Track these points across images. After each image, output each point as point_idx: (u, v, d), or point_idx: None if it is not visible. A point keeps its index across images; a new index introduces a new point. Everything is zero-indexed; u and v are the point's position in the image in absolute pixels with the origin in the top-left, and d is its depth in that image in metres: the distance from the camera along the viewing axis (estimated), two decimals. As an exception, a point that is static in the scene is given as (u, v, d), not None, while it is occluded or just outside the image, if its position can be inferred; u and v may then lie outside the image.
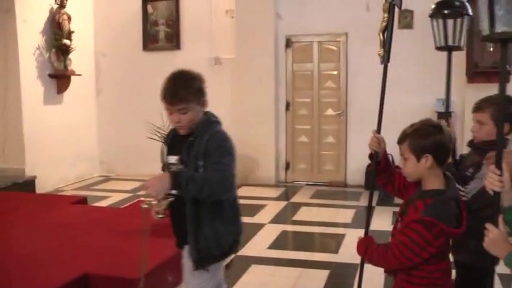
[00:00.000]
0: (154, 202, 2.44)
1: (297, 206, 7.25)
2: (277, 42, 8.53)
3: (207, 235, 2.63)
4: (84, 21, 9.00)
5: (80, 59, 8.63)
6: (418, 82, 7.93)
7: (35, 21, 8.03)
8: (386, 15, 2.92)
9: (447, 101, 3.52)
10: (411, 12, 7.85)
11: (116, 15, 9.28)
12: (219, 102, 8.70)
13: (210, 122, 2.69)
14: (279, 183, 8.65)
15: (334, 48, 8.43)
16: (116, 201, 7.42)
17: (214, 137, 2.60)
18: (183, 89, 2.58)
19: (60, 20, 8.23)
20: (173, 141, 2.76)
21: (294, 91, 8.67)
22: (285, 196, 7.96)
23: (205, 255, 2.65)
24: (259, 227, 6.23)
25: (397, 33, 7.43)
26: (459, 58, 7.54)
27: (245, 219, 6.65)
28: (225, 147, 2.59)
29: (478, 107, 2.78)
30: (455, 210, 2.21)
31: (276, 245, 5.66)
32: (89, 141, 9.30)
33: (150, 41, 9.23)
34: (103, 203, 7.24)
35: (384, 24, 2.93)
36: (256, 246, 5.57)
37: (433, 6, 3.43)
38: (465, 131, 6.18)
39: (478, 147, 2.77)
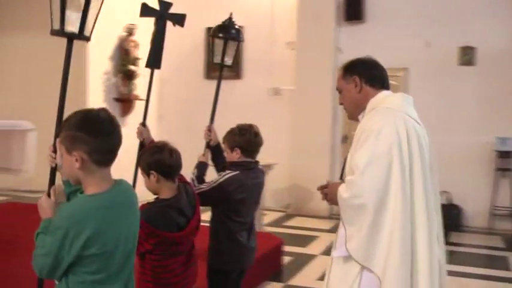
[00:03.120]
0: None
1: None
2: (336, 76, 8.52)
3: None
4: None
5: (144, 85, 8.36)
6: (479, 120, 7.80)
7: (104, 47, 8.35)
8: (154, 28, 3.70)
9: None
10: (473, 49, 7.76)
11: (181, 45, 9.31)
12: (277, 131, 8.57)
13: None
14: (332, 215, 8.42)
15: (393, 82, 8.29)
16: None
17: None
18: None
19: (128, 47, 8.58)
20: None
21: (352, 124, 8.20)
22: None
23: None
24: (310, 257, 6.15)
25: (457, 70, 7.76)
26: None
27: (297, 249, 6.34)
28: None
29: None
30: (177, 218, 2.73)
31: (326, 277, 8.41)
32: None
33: (212, 70, 9.15)
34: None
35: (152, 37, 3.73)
36: (306, 276, 5.48)
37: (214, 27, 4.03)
38: None
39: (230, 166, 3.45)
